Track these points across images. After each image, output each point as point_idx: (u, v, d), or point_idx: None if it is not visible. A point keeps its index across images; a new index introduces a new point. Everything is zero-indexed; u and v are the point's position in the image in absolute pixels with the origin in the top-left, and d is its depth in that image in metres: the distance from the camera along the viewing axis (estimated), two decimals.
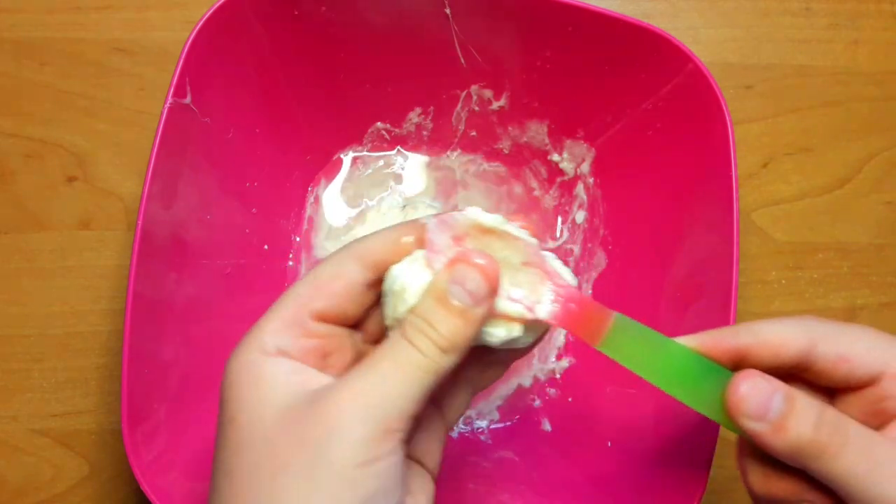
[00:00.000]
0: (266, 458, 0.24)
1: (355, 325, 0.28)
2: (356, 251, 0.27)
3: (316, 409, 0.24)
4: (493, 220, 0.28)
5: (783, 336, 0.28)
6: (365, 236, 0.28)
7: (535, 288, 0.28)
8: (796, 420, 0.26)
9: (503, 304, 0.27)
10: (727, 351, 0.28)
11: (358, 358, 0.28)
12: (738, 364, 0.28)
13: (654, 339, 0.29)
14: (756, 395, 0.26)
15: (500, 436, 0.44)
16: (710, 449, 0.35)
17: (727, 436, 0.45)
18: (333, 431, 0.23)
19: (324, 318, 0.27)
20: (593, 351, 0.44)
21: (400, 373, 0.25)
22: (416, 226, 0.27)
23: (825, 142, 0.48)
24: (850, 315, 0.47)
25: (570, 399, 0.44)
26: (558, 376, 0.45)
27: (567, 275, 0.29)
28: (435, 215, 0.28)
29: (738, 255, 0.37)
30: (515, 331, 0.27)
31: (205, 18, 0.36)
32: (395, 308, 0.27)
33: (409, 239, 0.27)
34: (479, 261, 0.26)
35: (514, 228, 0.28)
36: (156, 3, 0.45)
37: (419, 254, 0.27)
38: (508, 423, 0.45)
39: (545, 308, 0.28)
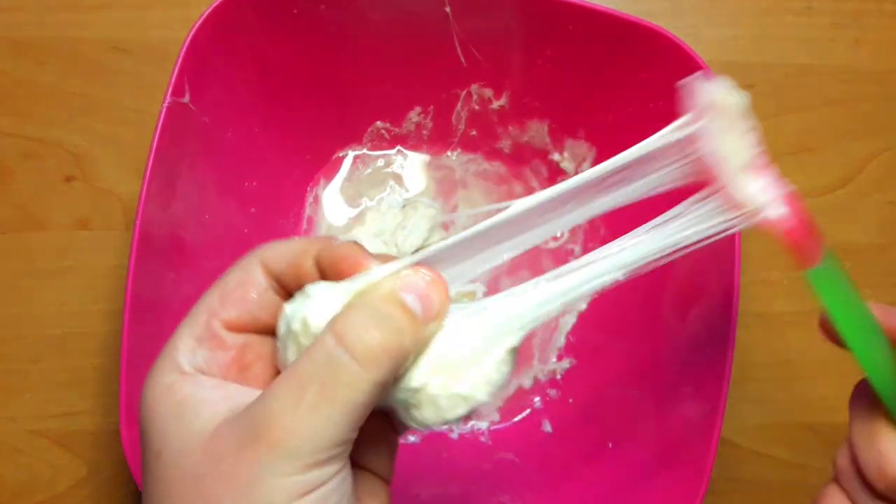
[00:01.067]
0: (196, 498, 0.22)
1: (272, 331, 0.26)
2: (260, 256, 0.26)
3: (242, 444, 0.22)
4: (738, 102, 0.25)
5: None
6: (273, 242, 0.26)
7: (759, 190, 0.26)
8: None
9: (748, 189, 0.25)
10: (893, 325, 0.28)
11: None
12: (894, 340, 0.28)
13: (850, 288, 0.28)
14: None
15: (501, 437, 0.44)
16: (711, 450, 0.35)
17: (728, 437, 0.45)
18: (263, 470, 0.21)
19: (236, 328, 0.25)
20: (594, 352, 0.44)
21: (328, 397, 0.22)
22: (324, 242, 0.25)
23: (827, 141, 0.48)
24: None
25: (570, 400, 0.44)
26: (559, 377, 0.45)
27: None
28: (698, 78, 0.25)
29: (740, 255, 0.37)
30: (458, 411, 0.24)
31: (203, 17, 0.36)
32: (298, 346, 0.24)
33: (308, 262, 0.25)
34: (429, 275, 0.24)
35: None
36: (154, 2, 0.45)
37: (312, 288, 0.24)
38: (508, 425, 0.44)
39: (779, 209, 0.26)
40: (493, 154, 0.47)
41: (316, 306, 0.24)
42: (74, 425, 0.43)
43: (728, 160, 0.26)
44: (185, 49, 0.35)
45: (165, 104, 0.35)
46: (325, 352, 0.22)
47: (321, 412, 0.22)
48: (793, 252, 0.27)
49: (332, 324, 0.23)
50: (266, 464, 0.21)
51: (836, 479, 0.30)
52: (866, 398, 0.30)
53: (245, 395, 0.24)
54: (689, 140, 0.26)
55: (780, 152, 0.47)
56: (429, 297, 0.24)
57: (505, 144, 0.46)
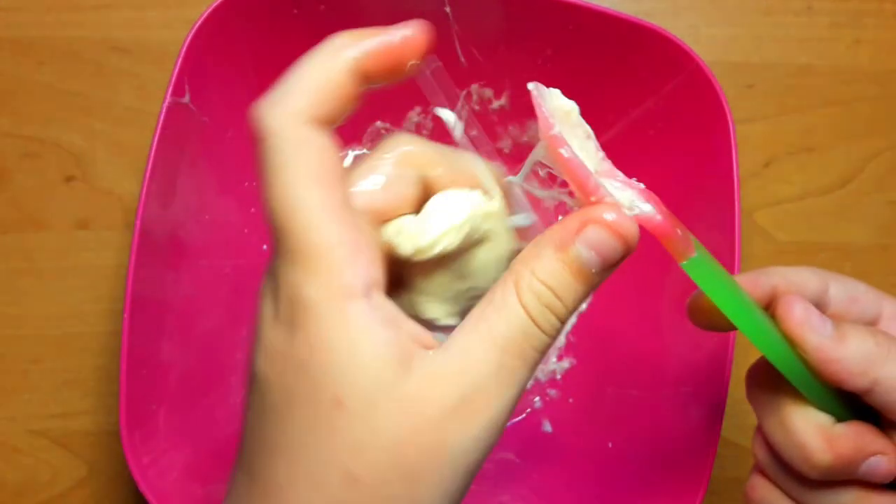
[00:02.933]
0: (401, 474, 0.19)
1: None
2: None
3: (446, 414, 0.20)
4: (573, 107, 0.25)
5: (803, 277, 0.29)
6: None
7: (621, 190, 0.25)
8: (854, 330, 0.26)
9: (614, 192, 0.24)
10: (762, 290, 0.29)
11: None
12: (768, 305, 0.29)
13: (721, 269, 0.28)
14: (813, 310, 0.27)
15: (501, 437, 0.44)
16: (711, 450, 0.35)
17: (728, 437, 0.45)
18: (467, 441, 0.20)
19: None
20: (594, 352, 0.44)
21: (521, 374, 0.21)
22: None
23: (827, 141, 0.48)
24: None
25: (570, 400, 0.44)
26: (559, 377, 0.45)
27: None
28: (535, 83, 0.24)
29: (740, 255, 0.37)
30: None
31: (203, 17, 0.35)
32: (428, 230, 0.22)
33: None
34: (617, 221, 0.22)
35: (587, 127, 0.25)
36: (154, 2, 0.45)
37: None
38: (508, 425, 0.44)
39: (645, 205, 0.25)
40: (493, 154, 0.47)
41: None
42: (74, 425, 0.43)
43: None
44: (185, 49, 0.35)
45: (165, 104, 0.35)
46: (520, 320, 0.21)
47: (514, 388, 0.21)
48: (666, 246, 0.27)
49: (531, 283, 0.21)
50: (472, 437, 0.20)
51: (759, 471, 0.30)
52: (764, 378, 0.29)
53: (412, 340, 0.20)
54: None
55: (780, 152, 0.47)
56: (616, 249, 0.23)
57: (505, 144, 0.46)
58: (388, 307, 0.20)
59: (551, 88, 0.26)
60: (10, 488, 0.42)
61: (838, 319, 0.28)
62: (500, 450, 0.44)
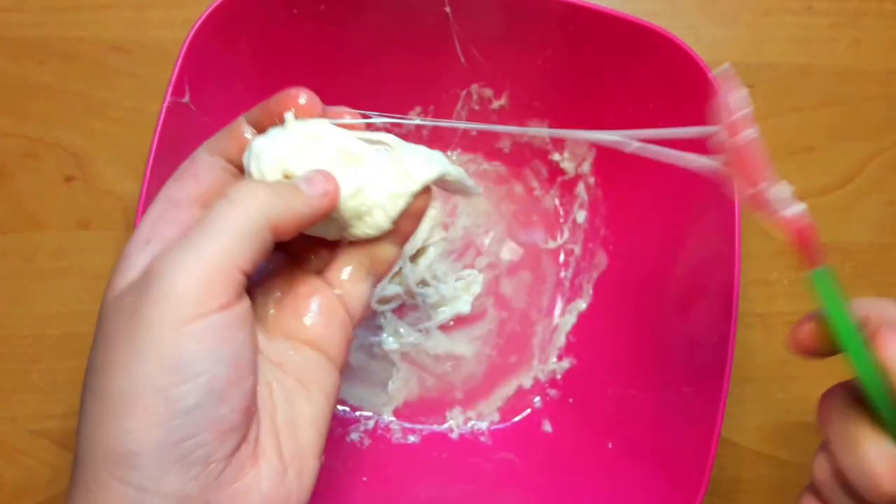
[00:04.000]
0: (101, 338, 0.24)
1: None
2: (203, 147, 0.29)
3: (142, 277, 0.24)
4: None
5: (891, 311, 0.28)
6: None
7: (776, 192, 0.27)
8: None
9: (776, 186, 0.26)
10: (858, 318, 0.29)
11: None
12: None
13: (842, 292, 0.28)
14: None
15: (501, 437, 0.44)
16: (711, 450, 0.35)
17: (728, 437, 0.45)
18: (150, 294, 0.23)
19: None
20: (594, 352, 0.44)
21: (212, 225, 0.24)
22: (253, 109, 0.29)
23: (827, 141, 0.48)
24: None
25: (570, 400, 0.44)
26: (559, 377, 0.45)
27: None
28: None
29: (740, 255, 0.37)
30: (381, 224, 0.28)
31: (203, 17, 0.35)
32: (258, 171, 0.27)
33: (241, 129, 0.29)
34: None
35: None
36: (154, 2, 0.45)
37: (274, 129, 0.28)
38: (508, 425, 0.44)
39: (798, 206, 0.27)
40: (493, 154, 0.47)
41: (269, 138, 0.27)
42: (74, 425, 0.42)
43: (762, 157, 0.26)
44: (185, 49, 0.35)
45: (165, 104, 0.35)
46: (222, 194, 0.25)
47: (201, 235, 0.24)
48: (801, 251, 0.27)
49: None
50: (150, 290, 0.23)
51: (815, 491, 0.30)
52: (842, 403, 0.29)
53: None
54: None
55: (780, 152, 0.47)
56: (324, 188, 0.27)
57: (505, 144, 0.46)
58: None
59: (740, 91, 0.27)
60: (9, 488, 0.42)
61: None
62: (501, 450, 0.44)
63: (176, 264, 0.23)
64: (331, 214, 0.27)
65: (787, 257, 0.47)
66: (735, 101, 0.26)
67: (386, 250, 0.30)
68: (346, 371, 0.43)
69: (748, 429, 0.45)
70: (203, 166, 0.28)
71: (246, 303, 0.25)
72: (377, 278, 0.30)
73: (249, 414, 0.25)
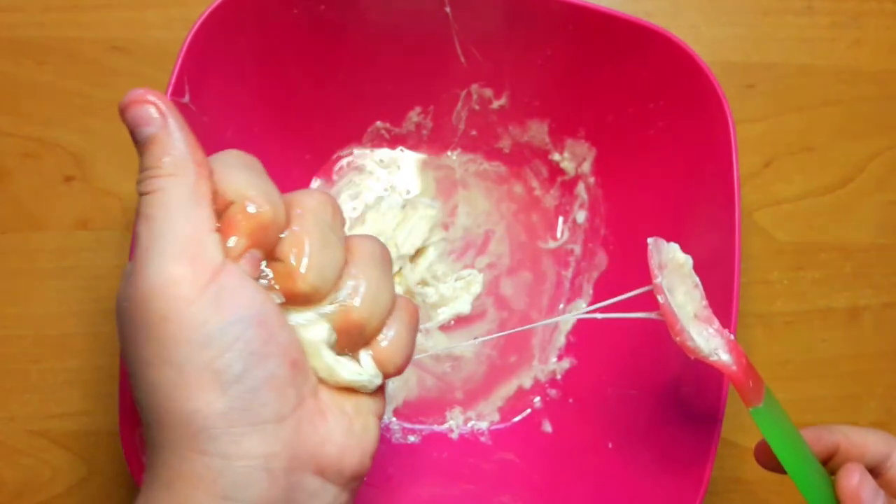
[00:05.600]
0: (127, 333, 0.24)
1: None
2: None
3: (134, 280, 0.24)
4: (688, 261, 0.31)
5: (866, 440, 0.32)
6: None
7: (708, 339, 0.30)
8: None
9: (696, 339, 0.29)
10: (824, 446, 0.32)
11: None
12: (827, 458, 0.32)
13: (787, 419, 0.32)
14: (869, 485, 0.30)
15: (501, 437, 0.44)
16: (711, 451, 0.35)
17: (728, 437, 0.45)
18: (150, 294, 0.23)
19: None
20: (594, 352, 0.44)
21: (157, 214, 0.24)
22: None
23: (827, 141, 0.48)
24: (852, 316, 0.47)
25: (570, 400, 0.44)
26: (559, 377, 0.45)
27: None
28: (654, 238, 0.30)
29: (740, 256, 0.37)
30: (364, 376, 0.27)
31: (203, 17, 0.35)
32: None
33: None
34: (138, 92, 0.25)
35: (696, 279, 0.31)
36: (154, 1, 0.45)
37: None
38: (508, 425, 0.44)
39: (725, 355, 0.30)
40: (494, 154, 0.47)
41: None
42: (74, 426, 0.43)
43: (681, 310, 0.30)
44: (184, 49, 0.35)
45: None
46: (143, 191, 0.25)
47: (157, 224, 0.24)
48: (738, 391, 0.31)
49: None
50: (146, 283, 0.23)
51: None
52: None
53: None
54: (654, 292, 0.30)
55: (780, 152, 0.47)
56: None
57: (505, 144, 0.46)
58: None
59: (671, 243, 0.31)
60: (10, 488, 0.42)
61: (894, 488, 0.31)
62: (501, 451, 0.44)
63: (152, 254, 0.23)
64: None
65: (787, 257, 0.47)
66: (654, 267, 0.29)
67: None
68: None
69: (748, 429, 0.45)
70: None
71: (238, 263, 0.25)
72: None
73: (297, 366, 0.25)
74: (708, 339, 0.30)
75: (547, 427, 0.44)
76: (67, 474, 0.43)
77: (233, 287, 0.24)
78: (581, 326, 0.45)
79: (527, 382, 0.45)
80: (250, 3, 0.37)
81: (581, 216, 0.46)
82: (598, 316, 0.32)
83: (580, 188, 0.46)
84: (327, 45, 0.40)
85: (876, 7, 0.48)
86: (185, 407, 0.23)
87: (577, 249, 0.46)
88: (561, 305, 0.46)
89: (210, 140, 0.39)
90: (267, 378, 0.24)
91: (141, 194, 0.24)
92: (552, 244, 0.46)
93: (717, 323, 0.31)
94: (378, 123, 0.45)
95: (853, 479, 0.30)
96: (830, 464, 0.32)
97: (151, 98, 0.25)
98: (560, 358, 0.45)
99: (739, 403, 0.37)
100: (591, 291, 0.45)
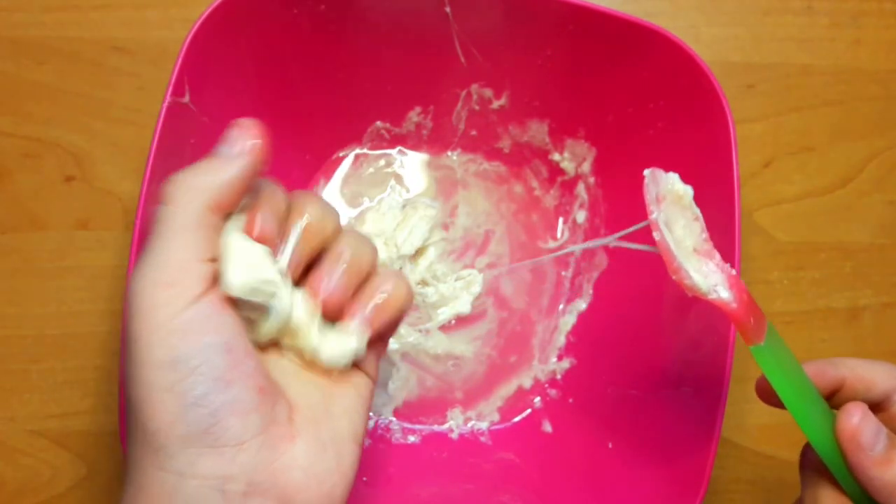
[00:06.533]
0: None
1: None
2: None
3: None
4: (687, 192, 0.29)
5: (874, 374, 0.31)
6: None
7: (707, 275, 0.29)
8: None
9: (694, 276, 0.28)
10: (829, 381, 0.31)
11: None
12: (832, 394, 0.31)
13: (790, 356, 0.31)
14: (869, 426, 0.29)
15: (501, 437, 0.44)
16: (711, 450, 0.35)
17: (728, 437, 0.45)
18: (130, 311, 0.24)
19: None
20: (594, 352, 0.44)
21: (155, 231, 0.25)
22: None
23: (827, 141, 0.48)
24: (852, 315, 0.47)
25: (570, 400, 0.44)
26: (559, 377, 0.45)
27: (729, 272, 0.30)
28: (651, 170, 0.29)
29: (740, 255, 0.37)
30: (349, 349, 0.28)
31: (203, 17, 0.35)
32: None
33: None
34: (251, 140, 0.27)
35: (697, 210, 0.29)
36: (154, 1, 0.45)
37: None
38: (509, 425, 0.44)
39: (725, 292, 0.29)
40: (494, 154, 0.47)
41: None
42: (74, 425, 0.43)
43: (679, 245, 0.29)
44: (184, 49, 0.35)
45: (165, 104, 0.35)
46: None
47: (151, 243, 0.25)
48: (738, 329, 0.30)
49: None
50: (131, 305, 0.24)
51: None
52: (812, 462, 0.32)
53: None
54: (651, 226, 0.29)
55: (780, 152, 0.47)
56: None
57: (505, 144, 0.46)
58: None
59: (670, 173, 0.29)
60: (9, 488, 0.42)
61: None
62: (501, 450, 0.44)
63: (142, 276, 0.25)
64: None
65: (786, 257, 0.47)
66: (650, 201, 0.29)
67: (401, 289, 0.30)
68: None
69: (748, 429, 0.45)
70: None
71: (220, 291, 0.26)
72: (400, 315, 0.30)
73: (265, 392, 0.26)
74: (707, 276, 0.29)
75: (547, 427, 0.44)
76: (67, 474, 0.43)
77: (207, 315, 0.25)
78: (581, 326, 0.45)
79: (527, 382, 0.45)
80: (250, 3, 0.37)
81: (581, 216, 0.46)
82: (599, 243, 0.33)
83: (580, 188, 0.46)
84: (327, 45, 0.40)
85: (876, 7, 0.48)
86: (148, 425, 0.24)
87: (578, 250, 0.46)
88: (561, 306, 0.46)
89: (210, 140, 0.39)
90: (229, 402, 0.24)
91: (161, 198, 0.25)
92: (552, 244, 0.46)
93: (717, 257, 0.30)
94: (378, 123, 0.45)
95: (853, 419, 0.29)
96: (836, 398, 0.31)
97: (249, 131, 0.27)
98: (560, 358, 0.45)
99: (739, 403, 0.37)
100: (591, 291, 0.45)
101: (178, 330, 0.24)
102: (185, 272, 0.25)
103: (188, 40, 0.35)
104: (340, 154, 0.46)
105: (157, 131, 0.34)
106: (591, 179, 0.45)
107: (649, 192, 0.29)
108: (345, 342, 0.28)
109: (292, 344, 0.28)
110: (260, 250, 0.27)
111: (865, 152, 0.48)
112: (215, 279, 0.25)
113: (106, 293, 0.43)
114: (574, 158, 0.45)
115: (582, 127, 0.44)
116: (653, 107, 0.40)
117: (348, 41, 0.40)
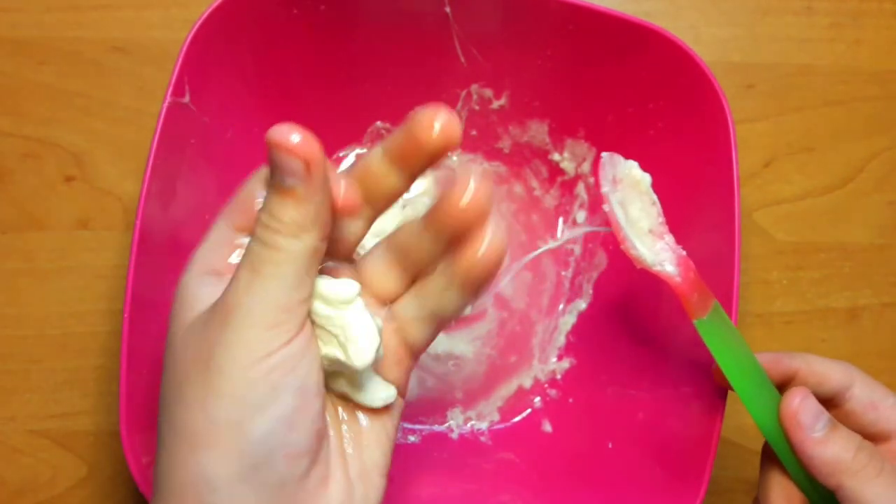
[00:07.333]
0: (175, 372, 0.25)
1: None
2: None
3: (206, 325, 0.25)
4: (645, 179, 0.32)
5: (828, 370, 0.32)
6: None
7: (657, 252, 0.32)
8: (841, 437, 0.30)
9: (640, 248, 0.31)
10: (782, 371, 0.32)
11: None
12: (785, 384, 0.32)
13: (737, 336, 0.32)
14: (809, 407, 0.30)
15: (501, 437, 0.44)
16: (711, 450, 0.35)
17: (728, 437, 0.45)
18: (221, 341, 0.24)
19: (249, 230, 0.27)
20: (594, 352, 0.44)
21: (266, 271, 0.24)
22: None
23: (827, 141, 0.48)
24: (852, 315, 0.47)
25: (570, 400, 0.44)
26: (559, 377, 0.45)
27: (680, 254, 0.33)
28: (609, 154, 0.32)
29: (740, 256, 0.37)
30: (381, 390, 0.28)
31: (203, 17, 0.35)
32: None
33: None
34: (294, 139, 0.24)
35: (654, 196, 0.32)
36: (154, 2, 0.45)
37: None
38: (508, 425, 0.44)
39: (671, 267, 0.32)
40: (493, 154, 0.47)
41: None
42: (74, 425, 0.43)
43: (634, 224, 0.32)
44: (185, 49, 0.35)
45: (165, 104, 0.35)
46: (259, 238, 0.25)
47: (260, 282, 0.24)
48: (685, 304, 0.32)
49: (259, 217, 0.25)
50: (223, 335, 0.24)
51: None
52: (767, 452, 0.33)
53: None
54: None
55: (780, 152, 0.47)
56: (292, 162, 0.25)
57: (505, 144, 0.46)
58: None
59: (629, 160, 0.32)
60: (10, 488, 0.42)
61: (854, 420, 0.31)
62: (501, 450, 0.44)
63: (247, 312, 0.24)
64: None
65: (786, 257, 0.47)
66: (604, 179, 0.32)
67: (451, 299, 0.28)
68: None
69: (748, 429, 0.45)
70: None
71: (308, 328, 0.25)
72: (441, 323, 0.29)
73: (320, 436, 0.25)
74: (657, 253, 0.32)
75: (547, 427, 0.44)
76: (67, 474, 0.43)
77: (293, 356, 0.24)
78: (581, 326, 0.45)
79: (527, 382, 0.45)
80: (250, 3, 0.37)
81: (581, 216, 0.46)
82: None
83: (580, 188, 0.46)
84: (327, 45, 0.40)
85: (876, 7, 0.48)
86: (200, 457, 0.24)
87: (577, 249, 0.46)
88: (561, 306, 0.46)
89: (210, 140, 0.39)
90: (287, 445, 0.24)
91: (256, 239, 0.25)
92: (552, 244, 0.46)
93: (670, 239, 0.33)
94: (378, 123, 0.45)
95: (795, 399, 0.30)
96: (787, 388, 0.32)
97: (302, 148, 0.24)
98: (560, 358, 0.45)
99: (739, 403, 0.37)
100: (591, 291, 0.45)
101: (264, 371, 0.24)
102: (288, 315, 0.24)
103: (188, 40, 0.35)
104: (340, 154, 0.46)
105: (157, 131, 0.34)
106: (591, 179, 0.45)
107: (603, 171, 0.32)
108: (383, 389, 0.28)
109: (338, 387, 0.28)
110: (375, 324, 0.27)
111: (865, 152, 0.48)
112: (304, 323, 0.25)
113: (106, 293, 0.43)
114: (574, 158, 0.45)
115: (582, 127, 0.44)
116: (653, 107, 0.40)
117: (348, 41, 0.40)
